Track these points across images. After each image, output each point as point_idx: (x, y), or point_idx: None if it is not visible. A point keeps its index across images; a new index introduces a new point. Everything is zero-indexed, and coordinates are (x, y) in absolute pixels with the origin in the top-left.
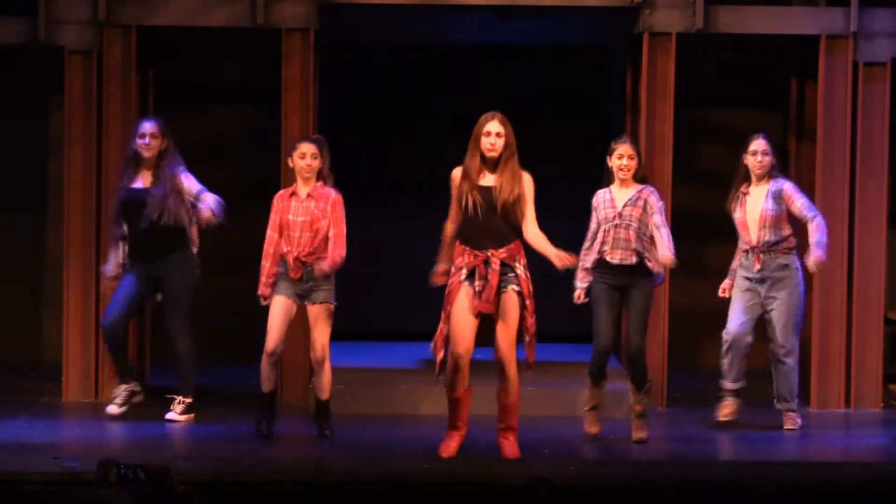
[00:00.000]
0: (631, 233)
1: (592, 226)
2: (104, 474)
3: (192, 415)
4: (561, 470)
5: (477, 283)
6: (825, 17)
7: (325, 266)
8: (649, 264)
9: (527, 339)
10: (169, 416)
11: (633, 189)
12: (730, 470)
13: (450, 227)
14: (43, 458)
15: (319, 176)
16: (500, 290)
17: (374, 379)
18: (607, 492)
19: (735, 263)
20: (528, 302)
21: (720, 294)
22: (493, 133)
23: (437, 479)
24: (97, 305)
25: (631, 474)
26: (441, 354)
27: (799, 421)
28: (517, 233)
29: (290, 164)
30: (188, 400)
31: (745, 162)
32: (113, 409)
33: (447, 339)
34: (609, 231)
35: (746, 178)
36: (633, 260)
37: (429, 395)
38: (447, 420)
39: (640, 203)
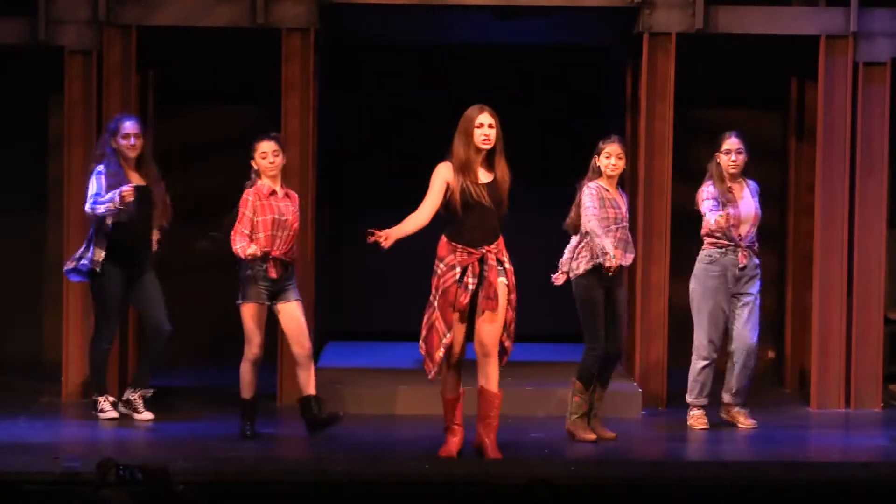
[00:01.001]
0: (629, 235)
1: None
2: (103, 475)
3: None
4: (561, 470)
5: (470, 280)
6: (825, 17)
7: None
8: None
9: (506, 334)
10: (144, 415)
11: (618, 191)
12: (730, 470)
13: (420, 214)
14: (43, 458)
15: (281, 175)
16: None
17: (374, 379)
18: (607, 492)
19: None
20: (512, 296)
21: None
22: (485, 125)
23: (437, 479)
24: None
25: (630, 474)
26: (441, 353)
27: (754, 420)
28: (503, 227)
29: (255, 166)
30: (150, 392)
31: (718, 160)
32: (111, 414)
33: (445, 342)
34: (618, 232)
35: (720, 176)
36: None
37: (429, 395)
38: (444, 422)
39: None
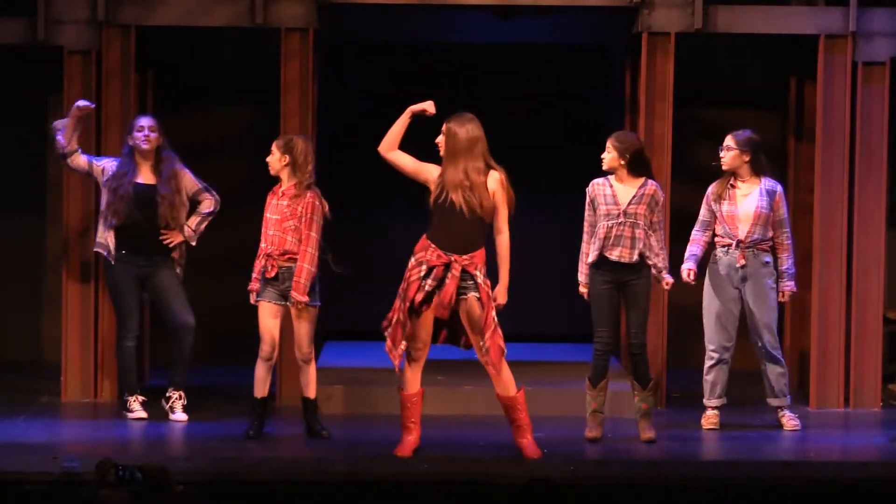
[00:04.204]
0: (637, 231)
1: (591, 218)
2: (102, 475)
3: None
4: (561, 470)
5: (429, 282)
6: (824, 16)
7: (295, 294)
8: (650, 261)
9: (487, 344)
10: (178, 416)
11: (635, 184)
12: (730, 470)
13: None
14: (43, 458)
15: (295, 175)
16: (459, 296)
17: (374, 379)
18: (607, 492)
19: (697, 249)
20: (488, 312)
21: (686, 278)
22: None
23: (437, 479)
24: (97, 305)
25: (630, 474)
26: (403, 347)
27: (797, 420)
28: (484, 239)
29: None
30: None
31: None
32: (139, 414)
33: (406, 335)
34: (612, 228)
35: (733, 173)
36: (635, 258)
37: (429, 396)
38: (401, 420)
39: (646, 199)
